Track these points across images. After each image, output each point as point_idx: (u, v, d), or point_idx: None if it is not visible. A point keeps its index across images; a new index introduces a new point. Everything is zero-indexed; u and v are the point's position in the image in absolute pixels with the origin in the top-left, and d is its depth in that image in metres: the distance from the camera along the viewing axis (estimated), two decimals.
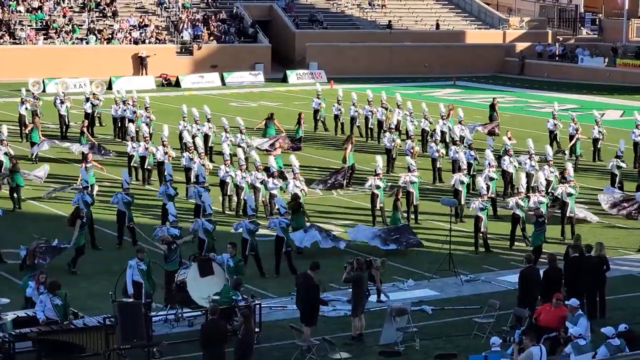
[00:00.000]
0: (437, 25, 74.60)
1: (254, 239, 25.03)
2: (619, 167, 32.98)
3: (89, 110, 43.52)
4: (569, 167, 29.98)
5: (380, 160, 31.01)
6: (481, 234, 27.33)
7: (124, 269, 21.82)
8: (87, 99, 44.08)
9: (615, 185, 32.63)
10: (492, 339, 17.47)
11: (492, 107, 45.55)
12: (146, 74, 63.99)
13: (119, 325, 18.82)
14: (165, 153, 33.69)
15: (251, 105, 53.78)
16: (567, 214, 28.62)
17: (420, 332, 20.77)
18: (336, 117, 44.21)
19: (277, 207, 27.00)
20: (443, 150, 35.54)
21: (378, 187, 29.89)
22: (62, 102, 42.90)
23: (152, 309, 21.00)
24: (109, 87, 56.87)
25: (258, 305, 20.77)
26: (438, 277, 24.90)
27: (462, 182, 30.41)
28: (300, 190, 29.39)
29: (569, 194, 28.75)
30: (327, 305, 21.87)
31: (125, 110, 41.95)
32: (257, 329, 20.02)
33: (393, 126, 38.96)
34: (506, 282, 24.44)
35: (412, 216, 30.19)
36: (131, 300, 20.08)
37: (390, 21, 74.20)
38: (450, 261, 25.13)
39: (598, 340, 18.00)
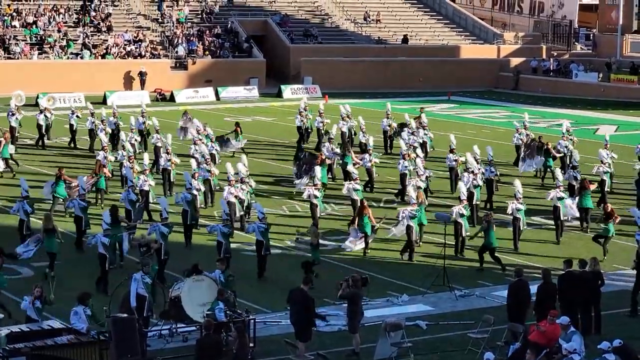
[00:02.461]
0: (406, 40, 74.34)
1: (228, 241, 25.44)
2: (575, 178, 33.33)
3: (42, 122, 44.27)
4: (558, 172, 31.62)
5: (318, 171, 31.63)
6: (461, 239, 27.96)
7: (120, 282, 21.81)
8: (41, 112, 45.09)
9: (574, 197, 32.49)
10: (486, 354, 17.47)
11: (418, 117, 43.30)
12: (144, 89, 64.00)
13: (113, 340, 18.79)
14: (169, 160, 34.49)
15: (246, 120, 53.72)
16: (562, 218, 29.67)
17: (415, 347, 20.74)
18: (299, 128, 44.58)
19: (256, 212, 27.30)
20: (376, 160, 36.17)
21: (316, 197, 30.48)
22: (12, 114, 44.01)
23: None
24: (104, 102, 57.05)
25: (252, 320, 20.75)
26: (432, 292, 24.91)
27: (419, 187, 30.92)
28: (235, 197, 29.98)
29: (560, 198, 29.58)
30: (324, 319, 21.89)
31: (93, 122, 42.79)
32: (251, 344, 20.00)
33: (333, 136, 39.51)
34: (501, 297, 24.41)
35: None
36: (125, 315, 20.05)
37: (405, 35, 74.23)
38: (445, 276, 25.13)
39: (593, 356, 17.99)
